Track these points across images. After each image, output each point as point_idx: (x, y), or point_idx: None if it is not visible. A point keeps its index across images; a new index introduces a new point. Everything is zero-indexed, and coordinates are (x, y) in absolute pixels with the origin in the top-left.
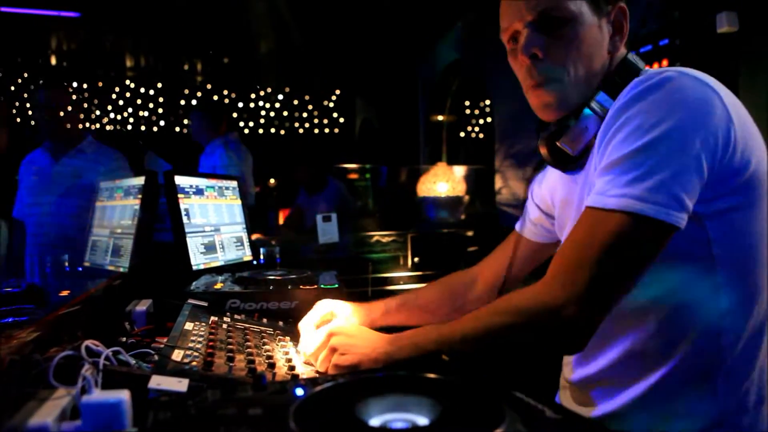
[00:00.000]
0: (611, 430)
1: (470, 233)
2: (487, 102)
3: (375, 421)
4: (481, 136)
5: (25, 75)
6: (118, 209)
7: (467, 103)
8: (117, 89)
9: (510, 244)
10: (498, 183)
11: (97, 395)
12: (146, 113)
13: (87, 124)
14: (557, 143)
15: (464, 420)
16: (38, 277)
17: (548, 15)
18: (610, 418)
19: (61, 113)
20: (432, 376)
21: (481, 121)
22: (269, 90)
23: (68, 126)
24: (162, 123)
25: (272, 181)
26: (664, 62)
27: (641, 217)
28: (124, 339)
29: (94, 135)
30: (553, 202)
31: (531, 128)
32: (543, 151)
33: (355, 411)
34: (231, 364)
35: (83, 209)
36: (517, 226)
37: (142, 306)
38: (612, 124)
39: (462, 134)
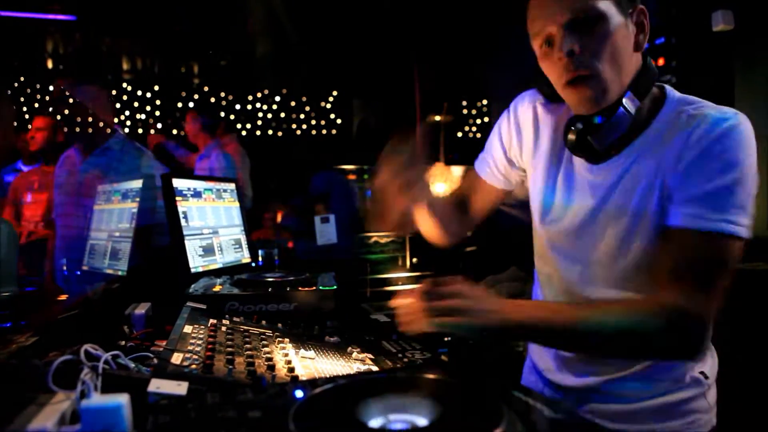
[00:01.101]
0: (608, 430)
1: (468, 233)
2: (485, 102)
3: (375, 423)
4: (478, 136)
5: (22, 78)
6: (116, 212)
7: (464, 103)
8: (114, 92)
9: (471, 183)
10: None
11: (97, 399)
12: (143, 116)
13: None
14: (588, 137)
15: (464, 420)
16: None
17: (581, 15)
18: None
19: (88, 110)
20: (431, 376)
21: (479, 121)
22: (266, 92)
23: (94, 123)
24: (159, 126)
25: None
26: (660, 60)
27: (744, 242)
28: (123, 342)
29: (123, 132)
30: (530, 161)
31: None
32: (572, 138)
33: (354, 412)
34: (230, 366)
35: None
36: (480, 170)
37: (141, 309)
38: (701, 155)
39: (459, 134)
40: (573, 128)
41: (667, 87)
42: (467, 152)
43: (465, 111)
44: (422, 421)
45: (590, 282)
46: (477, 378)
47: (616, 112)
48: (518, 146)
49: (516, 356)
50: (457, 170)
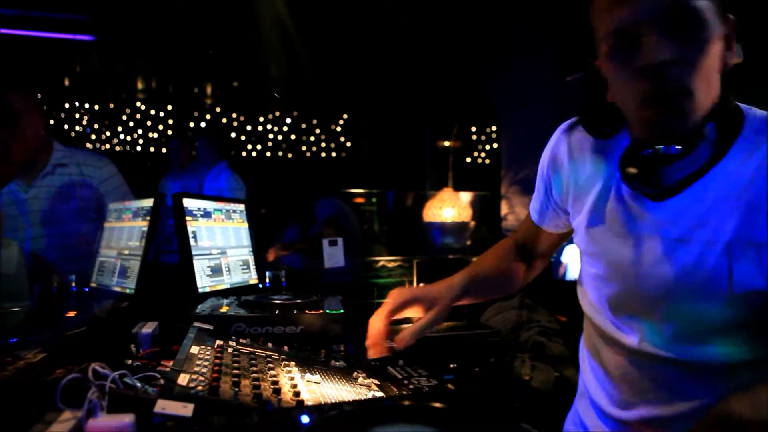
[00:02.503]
0: None
1: (476, 259)
2: (494, 128)
3: None
4: (487, 162)
5: (39, 95)
6: (126, 230)
7: (474, 129)
8: (128, 111)
9: (528, 230)
10: (504, 209)
11: (103, 419)
12: (156, 135)
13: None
14: (656, 169)
15: None
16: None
17: (680, 13)
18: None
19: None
20: (438, 405)
21: (488, 147)
22: (277, 113)
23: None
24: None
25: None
26: None
27: None
28: (129, 361)
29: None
30: (576, 199)
31: (537, 154)
32: (631, 170)
33: None
34: (236, 389)
35: (73, 233)
36: (537, 219)
37: (148, 328)
38: None
39: (468, 160)
40: (637, 155)
41: (743, 105)
42: (476, 178)
43: (474, 137)
44: None
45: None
46: (485, 408)
47: (698, 144)
48: (558, 187)
49: (521, 384)
50: (466, 196)
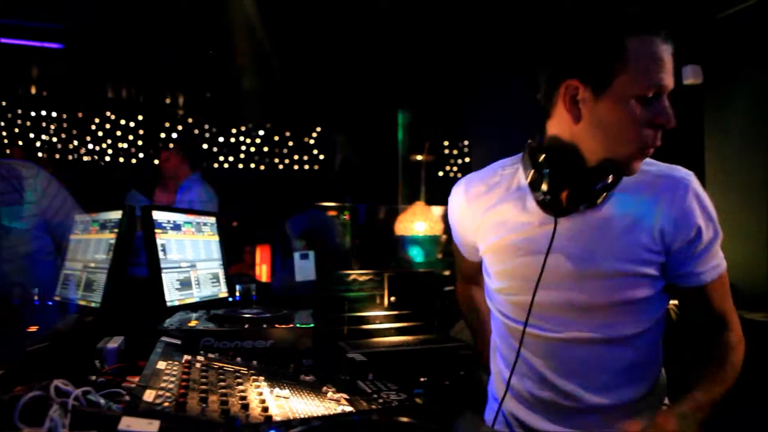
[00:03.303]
0: None
1: (447, 273)
2: (466, 142)
3: None
4: (459, 176)
5: (3, 103)
6: (92, 242)
7: (446, 143)
8: (97, 120)
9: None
10: None
11: None
12: (125, 145)
13: None
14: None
15: None
16: None
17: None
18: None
19: None
20: (405, 420)
21: (460, 161)
22: (250, 125)
23: None
24: (141, 155)
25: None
26: None
27: None
28: (93, 377)
29: None
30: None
31: None
32: (564, 196)
33: None
34: (204, 405)
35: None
36: (464, 253)
37: (114, 343)
38: (697, 213)
39: (441, 174)
40: (571, 186)
41: None
42: (448, 192)
43: (447, 151)
44: None
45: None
46: (450, 422)
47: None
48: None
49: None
50: (438, 210)
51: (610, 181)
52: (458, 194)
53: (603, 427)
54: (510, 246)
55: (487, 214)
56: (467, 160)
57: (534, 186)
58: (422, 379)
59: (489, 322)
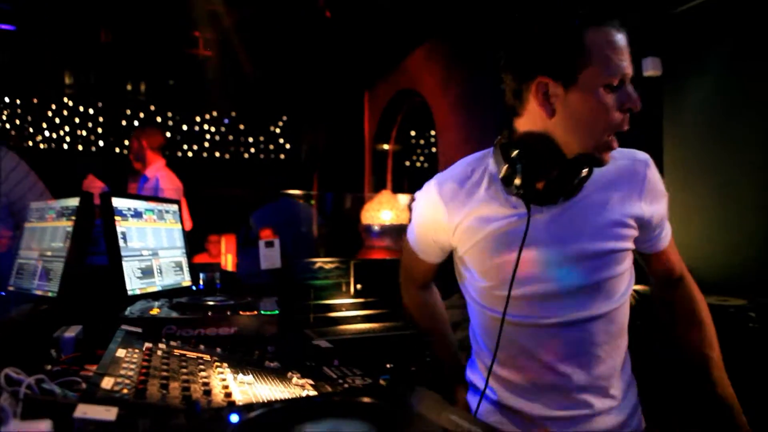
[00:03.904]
0: None
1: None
2: (433, 132)
3: None
4: (426, 165)
5: None
6: (49, 231)
7: (413, 133)
8: (53, 107)
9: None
10: None
11: (16, 426)
12: (84, 132)
13: None
14: (573, 182)
15: None
16: None
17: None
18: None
19: None
20: (367, 400)
21: (426, 151)
22: (215, 113)
23: None
24: (101, 143)
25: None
26: None
27: None
28: (49, 367)
29: None
30: (466, 230)
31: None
32: (540, 186)
33: None
34: (164, 391)
35: None
36: (425, 257)
37: (71, 332)
38: (658, 188)
39: (407, 163)
40: (548, 176)
41: None
42: (414, 180)
43: (413, 141)
44: None
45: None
46: (411, 402)
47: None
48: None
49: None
50: (404, 198)
51: (584, 174)
52: (430, 195)
53: (592, 404)
54: (493, 242)
55: (466, 213)
56: (433, 150)
57: (508, 180)
58: (388, 366)
59: (448, 326)
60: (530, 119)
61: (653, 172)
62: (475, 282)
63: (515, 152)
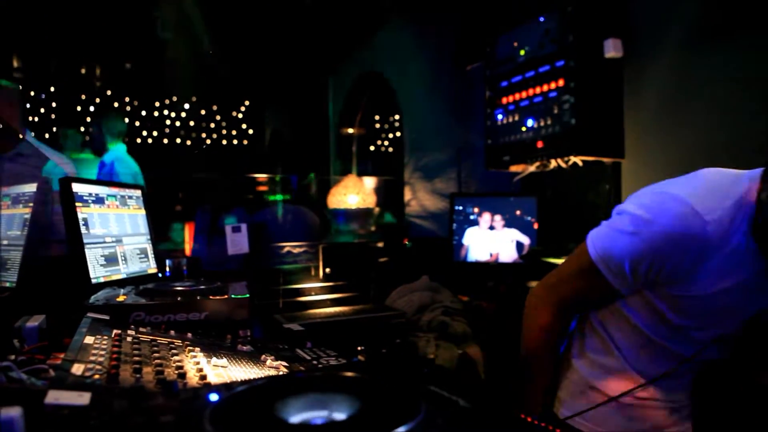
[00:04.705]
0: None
1: (381, 244)
2: (397, 117)
3: (295, 419)
4: (390, 150)
5: None
6: (4, 218)
7: (377, 117)
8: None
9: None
10: (407, 195)
11: None
12: (36, 119)
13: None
14: None
15: (382, 414)
16: None
17: None
18: None
19: None
20: (349, 374)
21: (391, 136)
22: (174, 99)
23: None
24: (54, 129)
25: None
26: (561, 81)
27: None
28: (13, 357)
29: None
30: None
31: (437, 142)
32: None
33: (274, 410)
34: (138, 375)
35: None
36: (622, 284)
37: (34, 322)
38: None
39: (372, 148)
40: None
41: None
42: (379, 164)
43: (378, 125)
44: (341, 417)
45: None
46: (395, 375)
47: None
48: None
49: (426, 363)
50: (370, 182)
51: None
52: (693, 219)
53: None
54: (726, 292)
55: (723, 254)
56: (398, 134)
57: None
58: (359, 348)
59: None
60: None
61: None
62: (669, 318)
63: None
